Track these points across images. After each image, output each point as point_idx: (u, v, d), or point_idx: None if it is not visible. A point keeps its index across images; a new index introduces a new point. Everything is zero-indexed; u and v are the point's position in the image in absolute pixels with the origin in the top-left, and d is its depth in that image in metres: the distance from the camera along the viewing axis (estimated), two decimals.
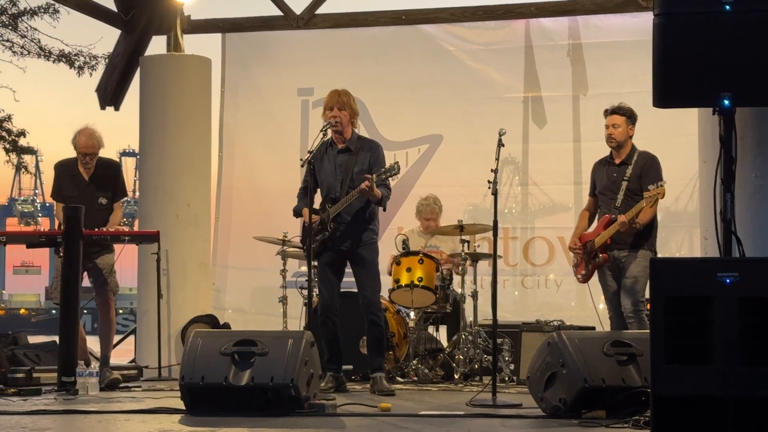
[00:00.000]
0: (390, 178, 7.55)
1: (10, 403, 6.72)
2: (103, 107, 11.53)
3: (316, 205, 7.61)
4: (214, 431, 5.09)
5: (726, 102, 4.87)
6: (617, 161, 7.84)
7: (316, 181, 7.61)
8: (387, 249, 9.42)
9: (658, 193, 7.46)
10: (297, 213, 7.80)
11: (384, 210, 7.77)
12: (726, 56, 4.86)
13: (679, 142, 9.65)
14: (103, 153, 8.42)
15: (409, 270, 8.60)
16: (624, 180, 7.70)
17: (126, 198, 8.52)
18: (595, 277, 7.91)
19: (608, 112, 7.87)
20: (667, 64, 4.93)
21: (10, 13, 19.53)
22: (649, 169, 7.68)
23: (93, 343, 8.94)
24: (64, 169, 8.36)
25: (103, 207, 8.21)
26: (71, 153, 8.41)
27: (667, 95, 5.01)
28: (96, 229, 7.96)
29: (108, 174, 8.37)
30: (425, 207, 9.54)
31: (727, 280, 4.51)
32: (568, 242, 8.25)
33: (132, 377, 8.83)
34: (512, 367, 8.67)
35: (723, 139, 4.96)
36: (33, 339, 10.20)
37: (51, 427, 5.47)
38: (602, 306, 8.14)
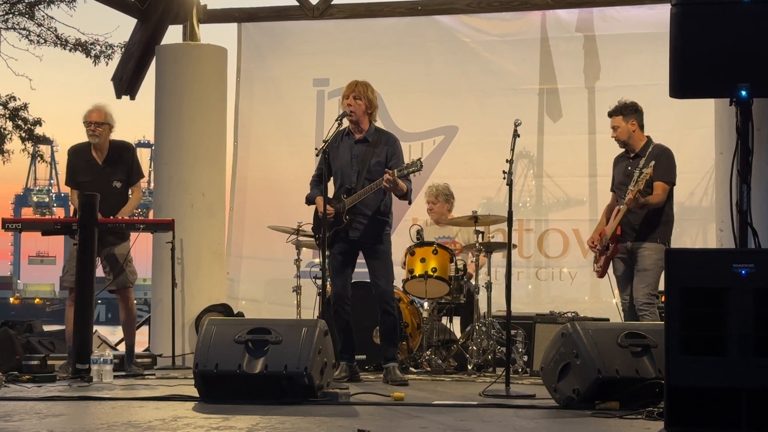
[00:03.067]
0: (411, 175, 7.52)
1: (24, 389, 6.75)
2: (118, 96, 11.56)
3: (330, 193, 7.60)
4: (228, 418, 5.10)
5: (743, 93, 4.85)
6: (632, 155, 7.84)
7: (330, 170, 7.59)
8: (401, 240, 9.42)
9: (648, 173, 7.45)
10: (310, 201, 7.79)
11: (410, 203, 7.78)
12: (743, 46, 4.83)
13: (696, 134, 9.64)
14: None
15: (423, 260, 8.60)
16: (637, 170, 7.68)
17: (144, 178, 8.51)
18: (610, 269, 7.91)
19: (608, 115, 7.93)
20: (684, 55, 4.91)
21: (27, 1, 19.58)
22: (660, 161, 7.64)
23: (106, 333, 8.97)
24: (77, 153, 8.39)
25: (118, 191, 8.25)
26: (85, 140, 8.43)
27: (683, 86, 4.99)
28: (112, 216, 8.00)
29: (121, 156, 8.39)
30: (427, 192, 9.58)
31: (743, 272, 4.50)
32: (587, 236, 8.24)
33: (146, 366, 8.86)
34: (525, 358, 8.67)
35: (740, 130, 4.94)
36: (47, 328, 10.23)
37: (65, 413, 5.49)
38: (614, 300, 8.13)
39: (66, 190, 8.77)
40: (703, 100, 8.01)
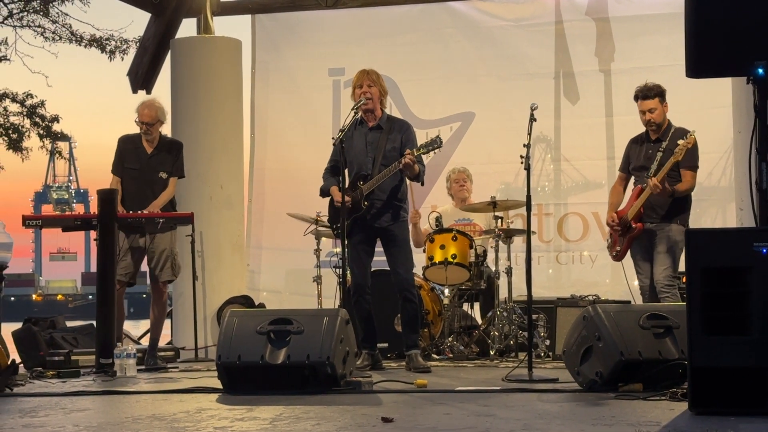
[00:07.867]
0: (431, 152, 7.55)
1: (49, 385, 6.79)
2: (135, 91, 11.57)
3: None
4: (252, 409, 5.12)
5: (760, 70, 4.82)
6: (653, 137, 7.80)
7: (346, 160, 7.60)
8: (421, 227, 9.42)
9: (689, 142, 7.40)
10: (324, 192, 7.79)
11: (422, 185, 7.78)
12: (759, 24, 4.80)
13: (713, 114, 9.58)
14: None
15: (442, 247, 8.60)
16: (659, 152, 7.64)
17: (182, 178, 8.54)
18: (628, 252, 7.88)
19: (638, 98, 7.78)
20: (700, 34, 4.89)
21: None
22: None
23: (129, 327, 8.99)
24: (128, 142, 8.46)
25: (163, 182, 8.33)
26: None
27: (700, 65, 4.97)
28: (135, 211, 8.05)
29: (170, 149, 8.46)
30: (454, 174, 9.59)
31: (764, 250, 4.49)
32: (605, 218, 8.21)
33: (169, 359, 8.89)
34: (548, 342, 8.66)
35: (757, 108, 4.91)
36: (70, 324, 10.27)
37: (90, 407, 5.52)
38: (636, 282, 8.10)
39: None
40: (720, 79, 7.96)
